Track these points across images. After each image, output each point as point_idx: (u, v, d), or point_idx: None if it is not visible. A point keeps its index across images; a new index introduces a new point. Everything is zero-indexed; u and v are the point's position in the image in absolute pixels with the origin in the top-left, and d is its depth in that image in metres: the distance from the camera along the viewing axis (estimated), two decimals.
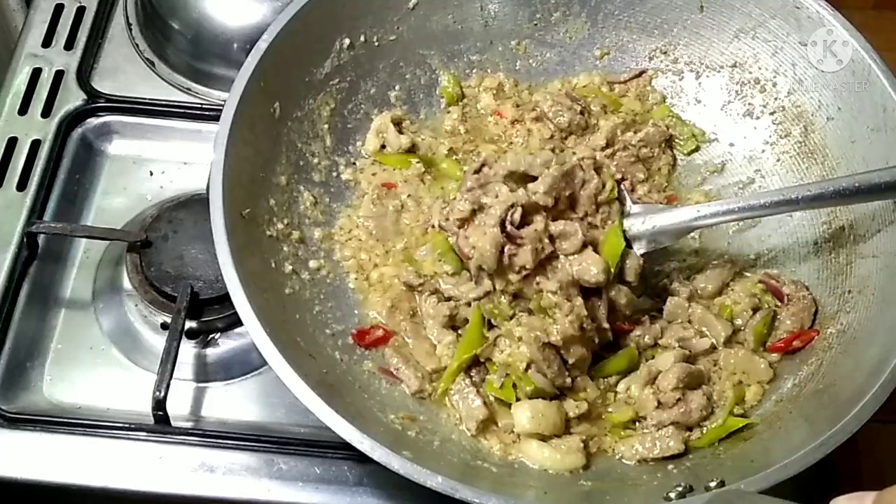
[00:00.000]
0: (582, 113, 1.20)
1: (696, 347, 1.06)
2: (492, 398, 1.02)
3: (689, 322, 1.08)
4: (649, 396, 1.02)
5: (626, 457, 1.00)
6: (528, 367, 1.00)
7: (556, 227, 1.02)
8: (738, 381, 1.05)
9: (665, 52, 1.23)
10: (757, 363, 1.05)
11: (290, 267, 1.07)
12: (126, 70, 1.33)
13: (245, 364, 1.12)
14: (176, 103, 1.29)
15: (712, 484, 0.89)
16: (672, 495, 0.90)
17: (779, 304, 1.09)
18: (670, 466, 0.98)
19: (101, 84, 1.30)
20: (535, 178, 1.04)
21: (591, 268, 1.00)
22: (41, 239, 1.17)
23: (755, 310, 1.09)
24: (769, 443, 0.97)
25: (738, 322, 1.08)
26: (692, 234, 1.12)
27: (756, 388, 1.04)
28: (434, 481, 0.86)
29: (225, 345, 1.13)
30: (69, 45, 1.33)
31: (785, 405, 1.01)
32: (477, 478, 0.94)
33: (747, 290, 1.10)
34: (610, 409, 1.04)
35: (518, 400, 1.01)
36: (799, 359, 1.05)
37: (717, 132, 1.21)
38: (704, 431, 1.02)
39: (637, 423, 1.03)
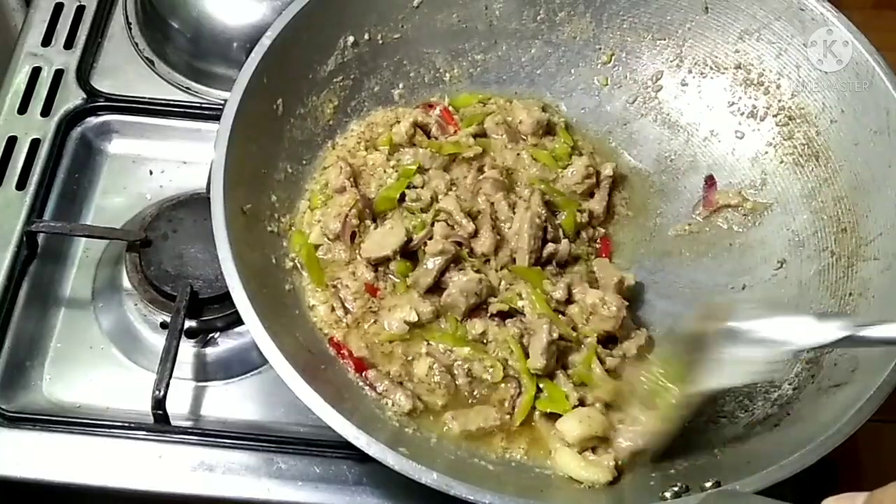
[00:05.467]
0: None
1: None
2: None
3: None
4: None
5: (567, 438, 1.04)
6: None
7: None
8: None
9: (670, 53, 1.27)
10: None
11: (291, 263, 1.11)
12: (126, 69, 1.36)
13: (244, 363, 1.15)
14: (176, 102, 1.32)
15: (708, 484, 0.92)
16: (668, 495, 0.92)
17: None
18: (667, 466, 1.01)
19: (101, 83, 1.33)
20: None
21: None
22: (41, 238, 1.20)
23: None
24: (767, 444, 1.00)
25: None
26: None
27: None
28: (429, 478, 0.89)
29: (224, 344, 1.16)
30: (69, 45, 1.37)
31: (783, 407, 1.04)
32: (473, 475, 0.97)
33: None
34: None
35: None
36: (797, 359, 1.08)
37: (721, 133, 1.25)
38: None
39: None
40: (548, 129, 1.26)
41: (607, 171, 1.23)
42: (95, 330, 1.17)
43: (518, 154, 1.23)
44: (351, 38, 1.20)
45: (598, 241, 1.21)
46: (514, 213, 1.15)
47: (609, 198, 1.23)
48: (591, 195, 1.23)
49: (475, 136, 1.23)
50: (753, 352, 0.95)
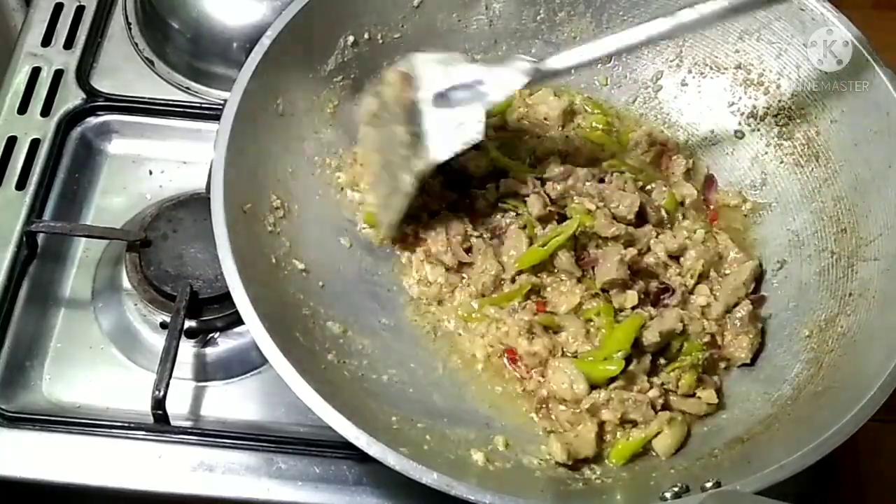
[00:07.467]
0: None
1: None
2: None
3: None
4: None
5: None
6: None
7: None
8: None
9: (670, 53, 1.27)
10: None
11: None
12: (125, 69, 1.36)
13: (244, 363, 1.15)
14: (175, 102, 1.33)
15: (708, 484, 0.91)
16: (668, 495, 0.92)
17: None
18: (667, 466, 1.02)
19: (101, 83, 1.34)
20: None
21: None
22: (40, 238, 1.21)
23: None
24: (767, 444, 1.00)
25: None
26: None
27: None
28: (430, 478, 0.89)
29: (224, 344, 1.16)
30: (69, 45, 1.37)
31: (783, 407, 1.04)
32: (473, 475, 0.97)
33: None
34: None
35: None
36: (797, 359, 1.09)
37: (721, 133, 1.26)
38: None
39: None
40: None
41: (682, 162, 1.25)
42: (95, 330, 1.18)
43: (567, 136, 1.23)
44: (351, 38, 1.20)
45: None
46: None
47: None
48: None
49: (495, 128, 1.24)
50: (460, 114, 1.07)
